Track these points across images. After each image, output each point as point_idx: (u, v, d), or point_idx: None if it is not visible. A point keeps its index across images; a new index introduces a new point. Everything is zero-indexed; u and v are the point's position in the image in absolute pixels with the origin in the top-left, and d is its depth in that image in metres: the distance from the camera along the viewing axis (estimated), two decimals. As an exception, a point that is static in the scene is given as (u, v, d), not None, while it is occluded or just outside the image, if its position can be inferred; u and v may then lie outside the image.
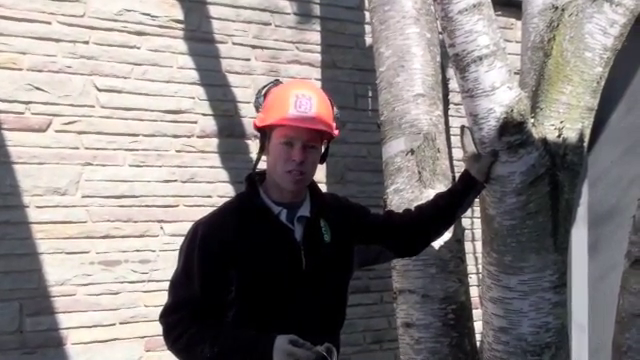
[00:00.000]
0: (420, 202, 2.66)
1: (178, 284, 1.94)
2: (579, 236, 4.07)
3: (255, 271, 1.90)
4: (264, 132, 1.95)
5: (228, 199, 2.09)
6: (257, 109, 1.98)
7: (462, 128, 2.19)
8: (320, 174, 3.66)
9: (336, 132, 1.97)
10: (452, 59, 2.09)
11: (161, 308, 1.96)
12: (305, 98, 1.90)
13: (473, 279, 3.49)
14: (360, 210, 2.14)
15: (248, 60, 3.48)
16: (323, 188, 3.63)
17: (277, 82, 2.01)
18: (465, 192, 2.17)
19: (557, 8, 2.24)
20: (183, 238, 1.99)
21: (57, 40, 3.06)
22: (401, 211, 2.25)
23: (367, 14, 3.31)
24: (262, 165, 2.04)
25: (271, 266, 1.90)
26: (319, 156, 1.97)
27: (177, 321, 1.89)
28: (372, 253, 2.11)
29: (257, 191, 1.97)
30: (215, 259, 1.89)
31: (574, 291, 4.05)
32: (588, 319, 4.08)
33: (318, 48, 3.65)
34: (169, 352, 1.96)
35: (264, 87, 2.00)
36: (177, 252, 2.00)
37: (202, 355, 1.85)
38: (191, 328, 1.87)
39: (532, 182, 2.14)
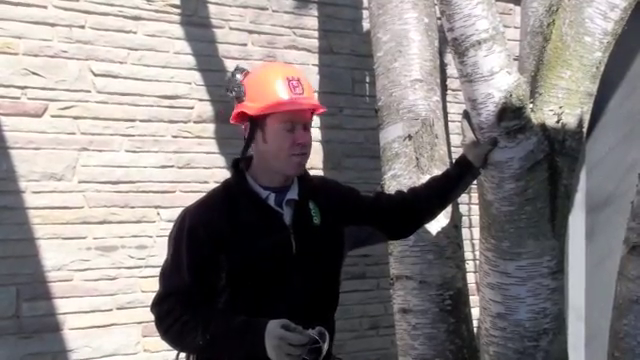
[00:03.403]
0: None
1: (168, 273, 1.93)
2: (577, 222, 4.06)
3: (245, 256, 1.89)
4: (255, 121, 1.93)
5: (216, 185, 2.08)
6: (239, 99, 1.94)
7: (464, 113, 2.18)
8: (317, 160, 3.65)
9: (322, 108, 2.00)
10: (451, 43, 2.07)
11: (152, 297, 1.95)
12: (294, 80, 1.91)
13: (470, 265, 3.49)
14: (349, 192, 2.13)
15: (245, 45, 3.45)
16: (319, 174, 3.63)
17: (242, 70, 1.98)
18: (460, 176, 2.16)
19: (556, -8, 2.22)
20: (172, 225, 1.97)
21: (53, 24, 3.03)
22: (394, 193, 2.23)
23: (366, -1, 3.28)
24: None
25: (261, 250, 1.89)
26: None
27: (169, 310, 1.88)
28: (363, 234, 2.10)
29: (244, 176, 1.96)
30: (204, 246, 1.88)
31: (571, 277, 4.05)
32: (585, 305, 4.09)
33: (315, 33, 3.63)
34: (165, 339, 1.96)
35: (234, 76, 1.96)
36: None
37: (195, 343, 1.84)
38: (183, 316, 1.86)
39: (530, 168, 2.13)
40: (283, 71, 1.97)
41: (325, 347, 1.75)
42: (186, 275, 1.88)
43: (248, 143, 1.97)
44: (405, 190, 2.24)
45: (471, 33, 2.01)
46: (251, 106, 1.92)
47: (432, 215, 2.23)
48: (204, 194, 2.04)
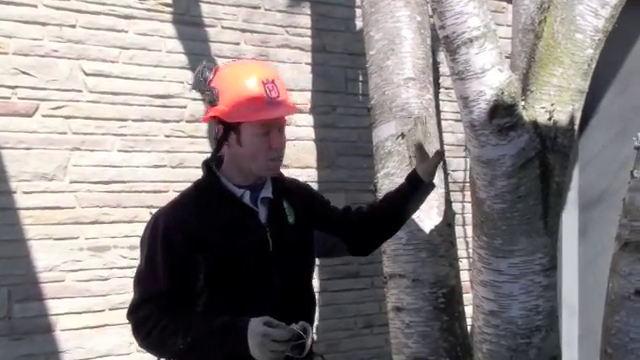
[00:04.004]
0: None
1: (143, 278, 1.89)
2: (570, 219, 4.07)
3: (223, 255, 1.86)
4: (229, 125, 1.89)
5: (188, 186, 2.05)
6: (211, 102, 1.89)
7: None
8: (310, 159, 3.65)
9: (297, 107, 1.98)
10: (442, 41, 2.07)
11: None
12: (270, 83, 1.87)
13: (464, 263, 3.50)
14: (320, 198, 2.14)
15: (238, 44, 3.44)
16: (313, 173, 3.64)
17: (211, 67, 1.92)
18: (411, 192, 2.13)
19: (548, -11, 2.22)
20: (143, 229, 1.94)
21: (43, 24, 3.02)
22: (357, 208, 2.22)
23: (357, -3, 3.28)
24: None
25: (239, 249, 1.87)
26: None
27: (145, 316, 1.85)
28: (329, 243, 2.10)
29: (217, 176, 1.94)
30: (180, 248, 1.85)
31: (564, 274, 4.06)
32: (578, 302, 4.10)
33: (308, 32, 3.62)
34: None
35: (202, 75, 1.91)
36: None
37: (175, 347, 1.81)
38: (161, 321, 1.83)
39: (522, 165, 2.13)
40: (258, 73, 1.90)
41: (309, 342, 1.73)
42: (162, 279, 1.85)
43: (220, 145, 1.94)
44: (364, 207, 2.22)
45: (463, 31, 2.01)
46: (226, 111, 1.87)
47: (391, 232, 2.22)
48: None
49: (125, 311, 3.16)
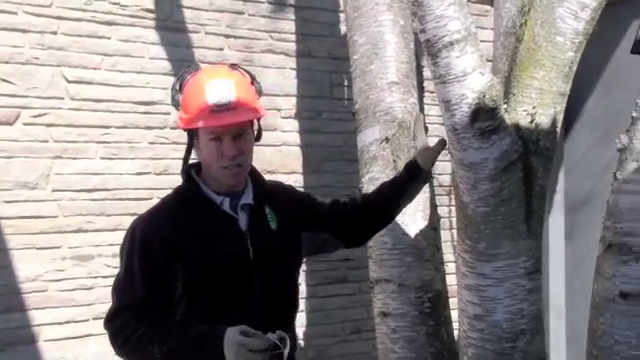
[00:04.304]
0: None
1: (121, 286, 1.87)
2: (556, 222, 4.08)
3: (201, 263, 1.84)
4: (189, 131, 1.88)
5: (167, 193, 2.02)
6: (176, 107, 1.89)
7: (417, 115, 2.17)
8: (296, 164, 3.63)
9: (263, 112, 1.90)
10: (423, 45, 2.06)
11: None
12: (221, 87, 1.81)
13: (450, 267, 3.49)
14: (304, 198, 2.11)
15: (221, 50, 3.43)
16: (299, 178, 3.62)
17: (191, 70, 1.90)
18: (409, 180, 2.10)
19: (529, -8, 2.22)
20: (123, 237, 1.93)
21: (24, 31, 2.99)
22: (348, 200, 2.19)
23: (342, 1, 3.27)
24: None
25: (218, 257, 1.84)
26: (252, 140, 1.91)
27: (123, 325, 1.83)
28: (319, 240, 2.06)
29: (196, 183, 1.92)
30: (157, 256, 1.83)
31: (551, 277, 4.07)
32: (565, 304, 4.10)
33: (293, 37, 3.61)
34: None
35: (177, 80, 1.90)
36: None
37: (152, 356, 1.79)
38: (138, 330, 1.81)
39: (505, 168, 2.13)
40: (211, 76, 1.86)
41: (286, 352, 1.72)
42: (140, 287, 1.82)
43: (188, 152, 1.93)
44: (357, 197, 2.20)
45: (443, 34, 2.01)
46: (182, 117, 1.87)
47: (386, 221, 2.18)
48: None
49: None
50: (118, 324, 1.84)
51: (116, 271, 3.11)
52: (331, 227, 2.06)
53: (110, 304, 1.89)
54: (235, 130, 1.84)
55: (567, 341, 4.10)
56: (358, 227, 2.12)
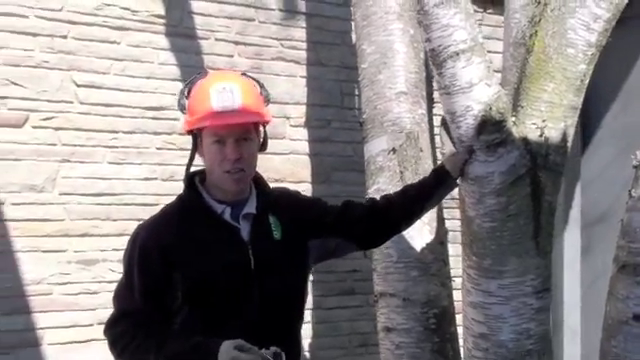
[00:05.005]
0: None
1: (122, 293, 1.88)
2: (572, 239, 3.99)
3: (200, 273, 1.82)
4: (195, 134, 1.89)
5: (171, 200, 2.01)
6: (182, 111, 1.90)
7: (442, 121, 2.13)
8: (305, 174, 3.60)
9: (268, 117, 1.89)
10: (429, 55, 2.02)
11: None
12: (226, 91, 1.82)
13: (458, 282, 3.42)
14: (313, 203, 2.07)
15: (231, 57, 3.41)
16: (308, 187, 3.58)
17: (201, 76, 1.92)
18: (436, 185, 2.10)
19: (539, 2, 2.16)
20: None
21: (35, 34, 3.00)
22: (364, 201, 2.16)
23: (352, 10, 3.23)
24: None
25: (217, 267, 1.83)
26: (256, 147, 1.90)
27: (122, 332, 1.84)
28: (331, 245, 2.02)
29: (198, 191, 1.90)
30: (156, 266, 1.82)
31: (566, 295, 3.97)
32: (580, 323, 4.00)
33: (303, 45, 3.58)
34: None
35: (186, 85, 1.92)
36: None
37: None
38: (136, 339, 1.82)
39: (512, 182, 2.06)
40: (217, 80, 1.88)
41: None
42: (138, 297, 1.83)
43: (192, 157, 1.92)
44: (377, 198, 2.17)
45: (449, 44, 1.96)
46: (187, 120, 1.88)
47: (407, 224, 2.15)
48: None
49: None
50: (118, 331, 1.85)
51: (119, 276, 3.16)
52: (342, 231, 2.01)
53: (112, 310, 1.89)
54: (239, 133, 1.83)
55: (581, 360, 4.00)
56: (374, 229, 2.07)
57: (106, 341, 1.88)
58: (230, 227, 1.87)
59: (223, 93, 1.81)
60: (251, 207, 1.90)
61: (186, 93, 1.90)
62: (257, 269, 1.85)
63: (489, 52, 3.57)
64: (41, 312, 3.00)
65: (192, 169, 1.96)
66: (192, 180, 1.93)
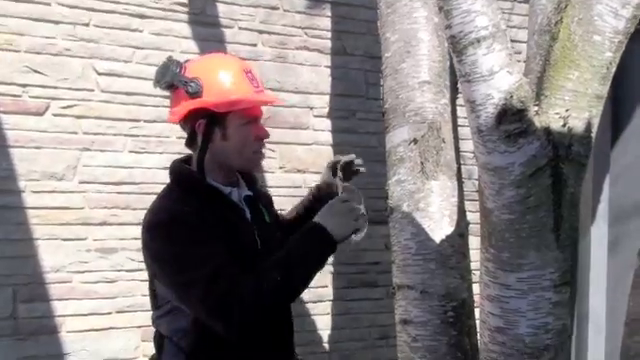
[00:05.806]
0: (421, 194, 2.56)
1: (188, 274, 1.73)
2: (599, 234, 3.89)
3: (228, 251, 1.82)
4: (214, 119, 1.84)
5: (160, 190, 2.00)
6: (194, 94, 1.83)
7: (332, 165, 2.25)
8: (327, 164, 3.55)
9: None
10: (449, 41, 1.96)
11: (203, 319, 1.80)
12: (250, 72, 1.88)
13: (478, 276, 3.36)
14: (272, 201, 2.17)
15: (255, 46, 3.38)
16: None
17: (178, 62, 1.91)
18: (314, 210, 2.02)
19: (566, -12, 2.08)
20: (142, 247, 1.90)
21: (56, 22, 3.01)
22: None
23: (376, -2, 3.18)
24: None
25: (237, 246, 1.82)
26: None
27: (225, 292, 1.70)
28: None
29: (202, 173, 1.89)
30: (197, 225, 1.76)
31: (592, 291, 3.88)
32: (606, 320, 3.91)
33: (328, 34, 3.54)
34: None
35: (179, 69, 1.87)
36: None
37: (293, 282, 1.77)
38: (247, 278, 1.73)
39: (532, 174, 1.99)
40: (238, 64, 1.92)
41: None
42: (208, 254, 1.73)
43: (207, 141, 1.87)
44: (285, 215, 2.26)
45: (470, 30, 1.89)
46: (215, 103, 1.83)
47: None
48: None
49: (132, 314, 3.07)
50: (220, 298, 1.70)
51: (140, 265, 3.09)
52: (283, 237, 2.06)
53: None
54: (262, 113, 1.93)
55: (605, 357, 3.90)
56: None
57: (163, 327, 1.86)
58: (238, 208, 1.90)
59: (250, 74, 1.87)
60: (245, 190, 1.94)
61: (180, 73, 1.85)
62: (262, 249, 1.88)
63: (519, 42, 3.50)
64: (60, 300, 3.01)
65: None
66: (184, 165, 1.94)
